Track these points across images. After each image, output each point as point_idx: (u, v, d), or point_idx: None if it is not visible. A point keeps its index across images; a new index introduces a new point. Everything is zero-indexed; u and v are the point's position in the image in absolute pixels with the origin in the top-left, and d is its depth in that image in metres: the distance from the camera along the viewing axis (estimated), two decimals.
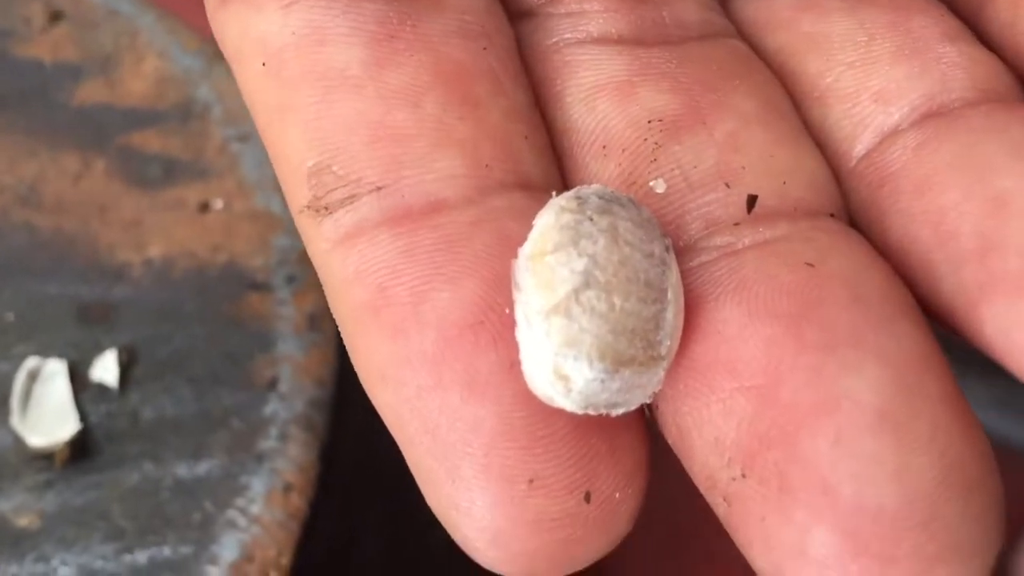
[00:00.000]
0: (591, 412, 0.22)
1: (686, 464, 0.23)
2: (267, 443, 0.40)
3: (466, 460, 0.22)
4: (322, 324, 0.43)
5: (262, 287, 0.43)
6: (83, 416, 0.39)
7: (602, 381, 0.22)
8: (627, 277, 0.22)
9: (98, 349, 0.41)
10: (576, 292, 0.22)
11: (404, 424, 0.23)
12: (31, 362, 0.40)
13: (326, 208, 0.24)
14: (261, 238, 0.44)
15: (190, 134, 0.46)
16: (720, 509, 0.22)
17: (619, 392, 0.22)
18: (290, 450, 0.40)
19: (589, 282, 0.22)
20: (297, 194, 0.25)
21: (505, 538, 0.22)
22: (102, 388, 0.40)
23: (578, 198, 0.23)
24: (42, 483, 0.39)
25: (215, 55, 0.47)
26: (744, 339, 0.22)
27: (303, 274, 0.43)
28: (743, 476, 0.21)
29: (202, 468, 0.40)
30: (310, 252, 0.25)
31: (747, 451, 0.21)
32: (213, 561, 0.38)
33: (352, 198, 0.24)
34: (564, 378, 0.22)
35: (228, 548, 0.38)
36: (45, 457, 0.39)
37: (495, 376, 0.22)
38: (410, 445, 0.23)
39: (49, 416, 0.39)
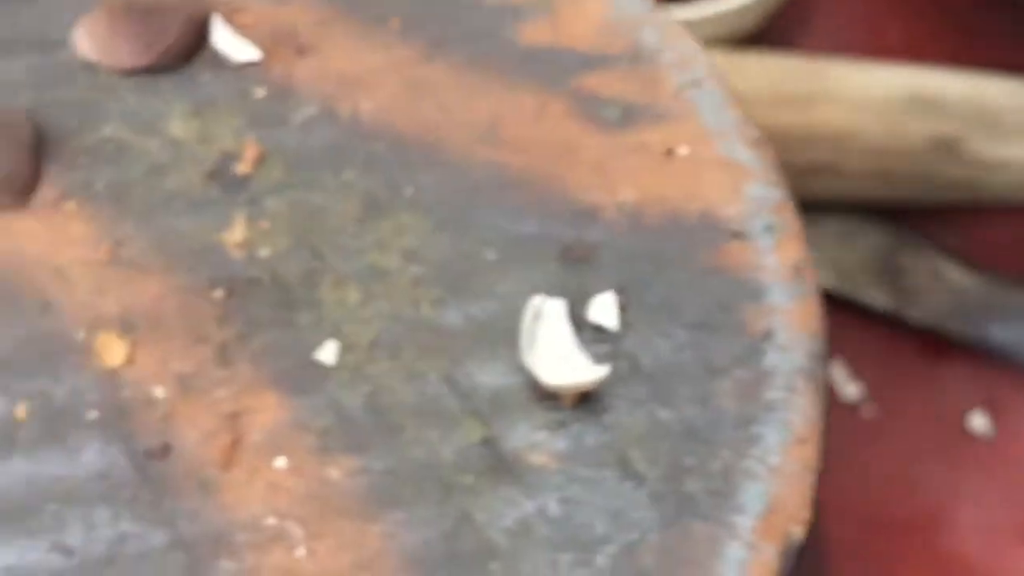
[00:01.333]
0: None
1: None
2: (774, 394, 0.39)
3: None
4: (805, 275, 0.42)
5: (741, 236, 0.42)
6: None
7: None
8: None
9: (585, 291, 0.39)
10: None
11: None
12: (536, 301, 0.38)
13: None
14: (733, 186, 0.43)
15: (643, 79, 0.45)
16: None
17: None
18: (798, 402, 0.39)
19: None
20: None
21: None
22: (598, 329, 0.39)
23: None
24: (554, 422, 0.38)
25: (652, 2, 0.46)
26: None
27: (781, 224, 0.42)
28: None
29: (712, 415, 0.38)
30: None
31: None
32: (739, 511, 0.37)
33: None
34: None
35: (753, 498, 0.37)
36: (553, 397, 0.38)
37: None
38: None
39: (555, 356, 0.38)
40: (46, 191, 0.41)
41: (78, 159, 0.42)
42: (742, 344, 0.39)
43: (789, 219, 0.42)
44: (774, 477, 0.36)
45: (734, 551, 0.35)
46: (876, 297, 0.67)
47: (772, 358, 0.38)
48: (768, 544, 0.36)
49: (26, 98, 0.43)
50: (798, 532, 0.36)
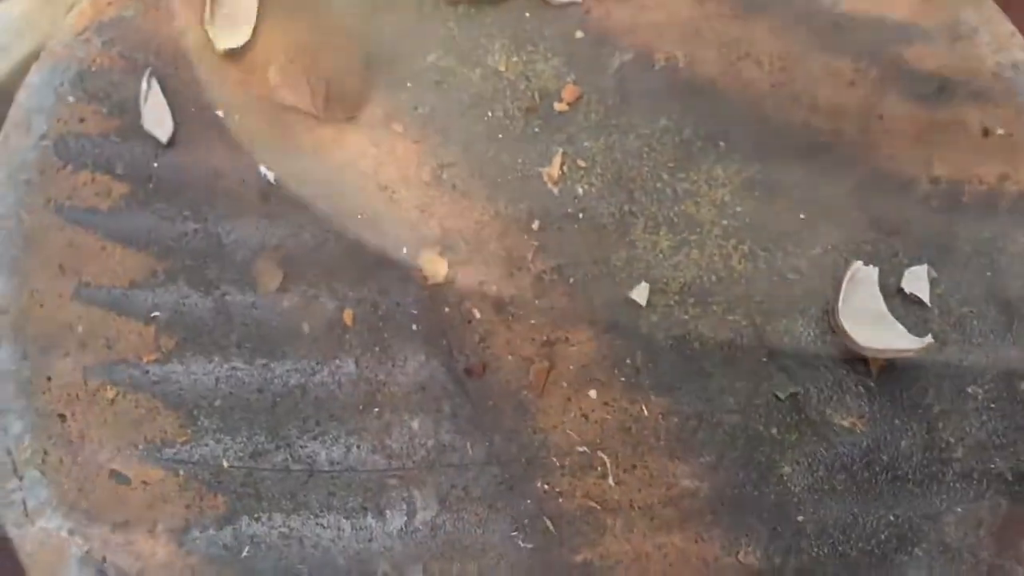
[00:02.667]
0: None
1: None
2: None
3: None
4: None
5: None
6: None
7: None
8: None
9: (896, 261, 0.39)
10: None
11: None
12: (855, 266, 0.39)
13: None
14: None
15: (961, 56, 0.44)
16: None
17: None
18: None
19: None
20: None
21: None
22: (909, 300, 0.40)
23: None
24: (863, 387, 0.39)
25: None
26: None
27: None
28: None
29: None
30: None
31: None
32: None
33: None
34: None
35: None
36: (862, 361, 0.39)
37: None
38: None
39: (870, 322, 0.39)
40: (374, 110, 0.43)
41: (405, 83, 0.43)
42: None
43: None
44: None
45: None
46: None
47: None
48: None
49: (357, 19, 0.45)
50: None
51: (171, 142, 0.42)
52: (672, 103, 0.43)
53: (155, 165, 0.42)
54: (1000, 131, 0.42)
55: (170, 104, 0.42)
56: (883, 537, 0.36)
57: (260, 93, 0.43)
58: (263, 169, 0.41)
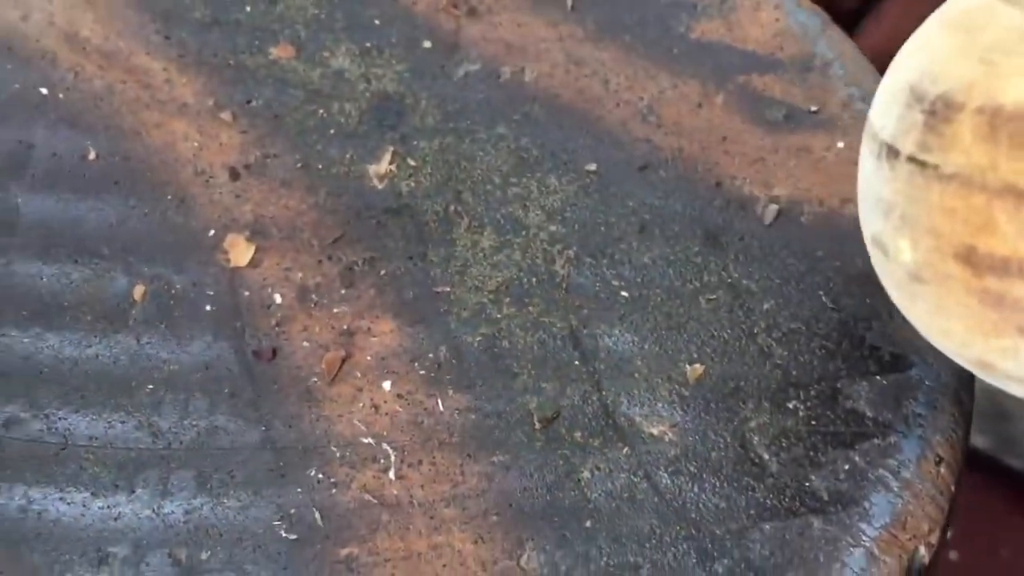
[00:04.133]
0: None
1: None
2: (914, 407, 0.36)
3: None
4: None
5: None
6: None
7: None
8: None
9: (722, 275, 0.37)
10: None
11: None
12: None
13: None
14: None
15: (811, 86, 0.44)
16: None
17: None
18: (939, 421, 0.36)
19: None
20: None
21: None
22: None
23: None
24: (676, 396, 0.35)
25: (827, 18, 0.46)
26: None
27: None
28: None
29: (849, 417, 0.36)
30: None
31: None
32: (864, 518, 0.34)
33: None
34: None
35: (880, 508, 0.34)
36: (677, 371, 0.36)
37: None
38: None
39: None
40: (205, 100, 0.42)
41: (243, 76, 0.42)
42: (885, 354, 0.36)
43: None
44: (905, 492, 0.34)
45: (855, 558, 0.32)
46: (978, 440, 0.63)
47: (917, 372, 0.36)
48: (891, 559, 0.33)
49: (203, 14, 0.44)
50: (924, 555, 0.33)
51: None
52: (513, 113, 0.42)
53: None
54: (846, 158, 0.41)
55: None
56: (681, 550, 0.33)
57: (90, 72, 0.42)
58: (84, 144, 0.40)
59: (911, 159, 0.31)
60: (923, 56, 0.32)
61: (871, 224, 0.32)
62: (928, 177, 0.30)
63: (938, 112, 0.30)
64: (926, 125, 0.30)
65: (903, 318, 0.37)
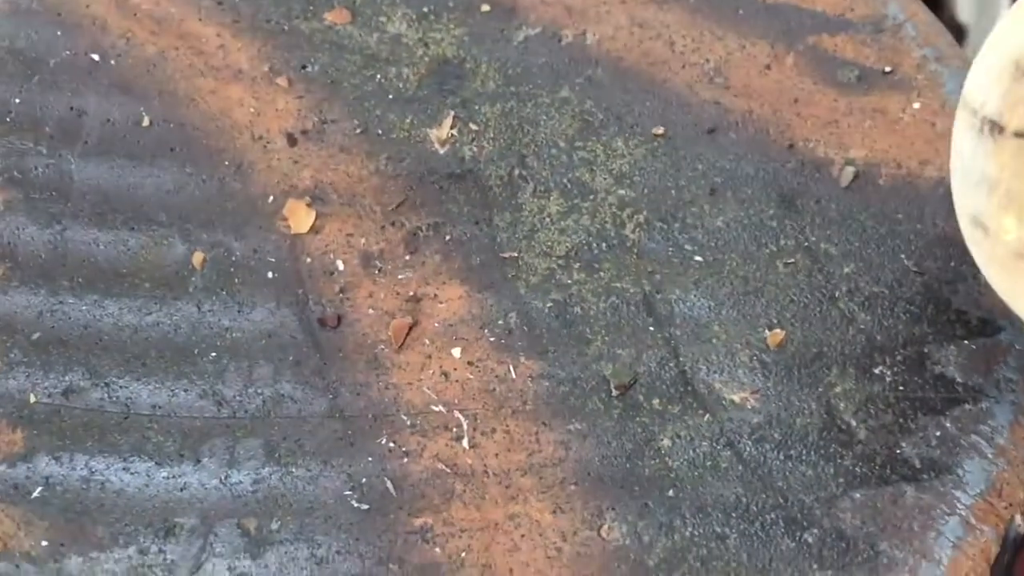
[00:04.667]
0: None
1: None
2: (1005, 372, 0.35)
3: None
4: None
5: None
6: None
7: None
8: None
9: (799, 238, 0.36)
10: None
11: None
12: None
13: None
14: None
15: (884, 47, 0.42)
16: None
17: None
18: None
19: None
20: None
21: None
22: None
23: None
24: (757, 362, 0.34)
25: None
26: None
27: None
28: None
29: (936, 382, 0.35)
30: None
31: None
32: (958, 486, 0.33)
33: None
34: None
35: (974, 476, 0.33)
36: (759, 337, 0.35)
37: None
38: None
39: None
40: (259, 65, 0.41)
41: (298, 41, 0.41)
42: (972, 318, 0.35)
43: None
44: (1000, 459, 0.32)
45: (951, 527, 0.31)
46: None
47: (1007, 336, 0.35)
48: (987, 527, 0.31)
49: None
50: (1020, 523, 0.32)
51: (39, 81, 0.39)
52: (576, 77, 0.41)
53: (16, 101, 0.39)
54: (922, 119, 0.40)
55: (45, 47, 0.40)
56: (768, 520, 0.31)
57: (141, 38, 0.41)
58: (139, 111, 0.39)
59: (1018, 134, 0.29)
60: None
61: (971, 202, 0.31)
62: None
63: None
64: None
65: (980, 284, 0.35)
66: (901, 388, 0.33)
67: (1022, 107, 0.29)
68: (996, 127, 0.30)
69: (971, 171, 0.31)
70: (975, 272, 0.35)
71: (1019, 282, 0.29)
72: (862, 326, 0.34)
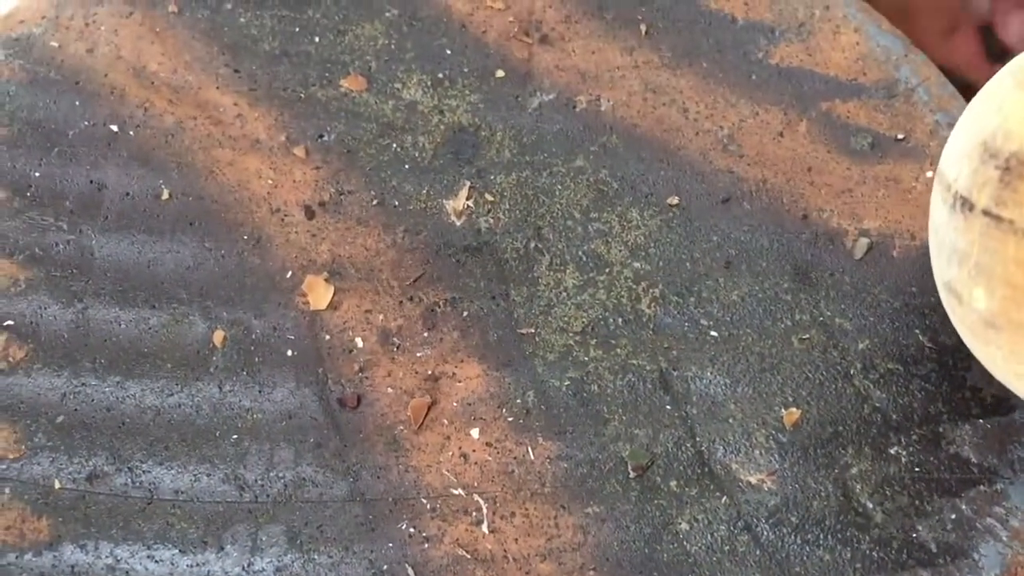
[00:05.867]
0: None
1: None
2: (1020, 452, 0.35)
3: None
4: None
5: None
6: None
7: None
8: None
9: (814, 312, 0.36)
10: None
11: None
12: None
13: None
14: None
15: (896, 113, 0.43)
16: None
17: None
18: None
19: None
20: None
21: None
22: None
23: None
24: (774, 444, 0.35)
25: (908, 42, 0.44)
26: None
27: None
28: None
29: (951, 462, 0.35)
30: None
31: None
32: (974, 570, 0.33)
33: None
34: None
35: (989, 560, 0.33)
36: (776, 419, 0.35)
37: None
38: None
39: None
40: (277, 135, 0.41)
41: (314, 109, 0.42)
42: (987, 396, 0.35)
43: None
44: (1014, 541, 0.33)
45: None
46: None
47: (1022, 414, 0.35)
48: None
49: (272, 45, 0.44)
50: None
51: (58, 153, 0.40)
52: (590, 144, 0.41)
53: (36, 175, 0.40)
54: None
55: (64, 118, 0.40)
56: None
57: (160, 108, 0.41)
58: (157, 184, 0.39)
59: (986, 212, 0.30)
60: (995, 113, 0.32)
61: (945, 271, 0.32)
62: (1004, 231, 0.30)
63: (1012, 169, 0.30)
64: (1001, 181, 0.30)
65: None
66: (917, 469, 0.33)
67: (990, 187, 0.30)
68: (967, 203, 0.31)
69: (944, 243, 0.32)
70: None
71: (989, 347, 0.30)
72: (877, 404, 0.35)
